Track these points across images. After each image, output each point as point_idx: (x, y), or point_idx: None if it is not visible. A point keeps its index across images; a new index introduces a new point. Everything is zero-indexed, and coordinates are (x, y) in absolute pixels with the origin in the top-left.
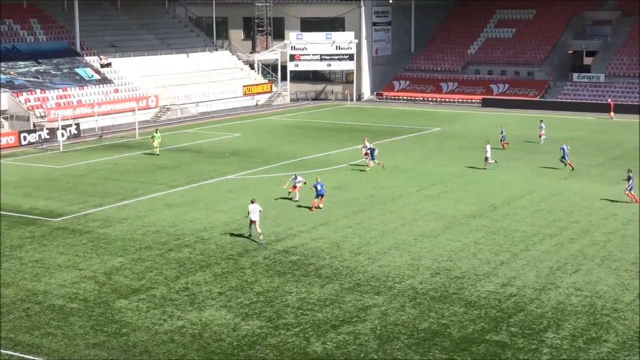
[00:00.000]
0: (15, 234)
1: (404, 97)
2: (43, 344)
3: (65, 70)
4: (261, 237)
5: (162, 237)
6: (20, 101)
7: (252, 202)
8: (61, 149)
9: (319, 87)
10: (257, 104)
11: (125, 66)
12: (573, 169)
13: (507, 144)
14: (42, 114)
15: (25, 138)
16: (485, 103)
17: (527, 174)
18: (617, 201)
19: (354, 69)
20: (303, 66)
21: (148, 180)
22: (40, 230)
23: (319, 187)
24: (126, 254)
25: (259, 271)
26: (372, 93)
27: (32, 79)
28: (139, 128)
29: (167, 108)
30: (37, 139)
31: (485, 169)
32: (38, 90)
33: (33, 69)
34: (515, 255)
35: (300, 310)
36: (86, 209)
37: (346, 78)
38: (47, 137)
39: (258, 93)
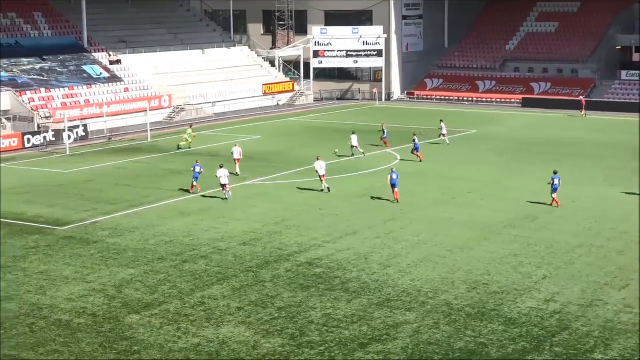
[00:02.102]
0: (19, 243)
1: (437, 97)
2: None
3: (71, 68)
4: (229, 196)
5: (176, 247)
6: (23, 101)
7: (221, 167)
8: (67, 152)
9: (344, 85)
10: (278, 104)
11: (136, 63)
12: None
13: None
14: (47, 115)
15: (29, 140)
16: (526, 103)
17: (569, 181)
18: None
19: (382, 66)
20: (328, 63)
21: (160, 186)
22: (45, 240)
23: (394, 177)
24: (137, 266)
25: (280, 285)
26: (402, 92)
27: (36, 77)
28: (150, 130)
29: (181, 108)
30: (42, 141)
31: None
32: (43, 89)
33: (37, 66)
34: (558, 268)
35: (325, 327)
36: (94, 217)
37: (374, 76)
38: (53, 139)
39: (279, 92)
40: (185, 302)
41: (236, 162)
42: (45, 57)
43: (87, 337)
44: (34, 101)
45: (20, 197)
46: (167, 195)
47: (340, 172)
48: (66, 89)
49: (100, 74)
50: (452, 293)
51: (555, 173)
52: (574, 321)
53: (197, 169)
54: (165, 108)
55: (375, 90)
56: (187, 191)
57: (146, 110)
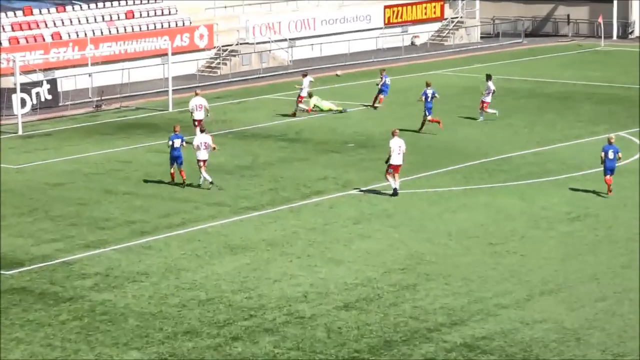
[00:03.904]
0: None
1: None
2: None
3: None
4: (206, 180)
5: (219, 311)
6: None
7: (202, 130)
8: (20, 131)
9: (539, 8)
10: (413, 44)
11: None
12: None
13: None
14: None
15: None
16: None
17: None
18: None
19: None
20: None
21: (193, 197)
22: None
23: (610, 155)
24: (146, 346)
25: None
26: None
27: None
28: (173, 90)
29: (232, 51)
30: None
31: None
32: None
33: None
34: None
35: None
36: (68, 253)
37: None
38: None
39: (414, 22)
40: None
41: (197, 125)
42: None
43: None
44: None
45: None
46: (204, 213)
47: (531, 174)
48: (18, 12)
49: None
50: None
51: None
52: None
53: (177, 143)
54: (202, 50)
55: (599, 20)
56: (226, 206)
57: (167, 54)
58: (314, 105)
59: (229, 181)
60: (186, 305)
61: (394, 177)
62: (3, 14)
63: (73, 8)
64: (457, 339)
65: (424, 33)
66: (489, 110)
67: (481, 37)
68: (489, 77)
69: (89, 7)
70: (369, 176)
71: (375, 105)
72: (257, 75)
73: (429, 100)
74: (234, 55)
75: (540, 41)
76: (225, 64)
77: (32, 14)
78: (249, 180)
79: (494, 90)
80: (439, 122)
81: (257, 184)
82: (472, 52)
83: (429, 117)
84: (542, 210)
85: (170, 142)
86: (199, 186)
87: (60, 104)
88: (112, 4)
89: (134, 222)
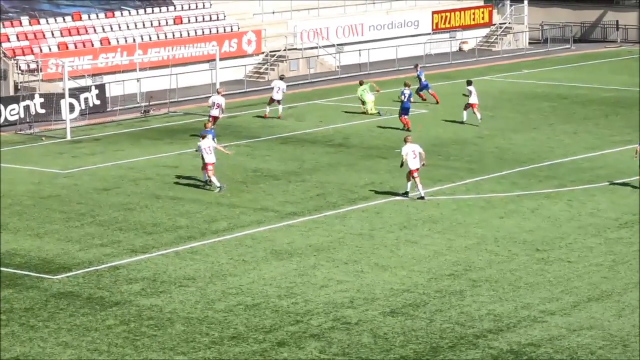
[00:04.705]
0: None
1: None
2: None
3: None
4: (214, 185)
5: (265, 316)
6: None
7: (204, 137)
8: (68, 136)
9: (588, 14)
10: (461, 49)
11: None
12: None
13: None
14: (33, 66)
15: None
16: None
17: None
18: None
19: None
20: None
21: (240, 202)
22: (24, 298)
23: None
24: (193, 351)
25: None
26: None
27: None
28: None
29: (280, 56)
30: (22, 115)
31: None
32: (25, 19)
33: None
34: None
35: None
36: (115, 258)
37: None
38: (41, 111)
39: (463, 27)
40: None
41: (210, 122)
42: None
43: None
44: (7, 41)
45: None
46: (250, 218)
47: (580, 180)
48: (68, 17)
49: None
50: None
51: None
52: None
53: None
54: (249, 55)
55: None
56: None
57: (214, 59)
58: (360, 94)
59: (276, 187)
60: (232, 311)
61: (416, 181)
62: (52, 19)
63: (122, 14)
64: (504, 346)
65: (472, 39)
66: (476, 113)
67: (529, 43)
68: (469, 83)
69: (137, 12)
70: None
71: (424, 98)
72: (305, 81)
73: (406, 100)
74: (282, 61)
75: (589, 47)
76: (273, 70)
77: (80, 19)
78: (296, 185)
79: (471, 92)
80: (408, 125)
81: (304, 190)
82: (520, 58)
83: (404, 117)
84: (589, 216)
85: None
86: (205, 183)
87: (108, 109)
88: (160, 10)
89: (181, 227)
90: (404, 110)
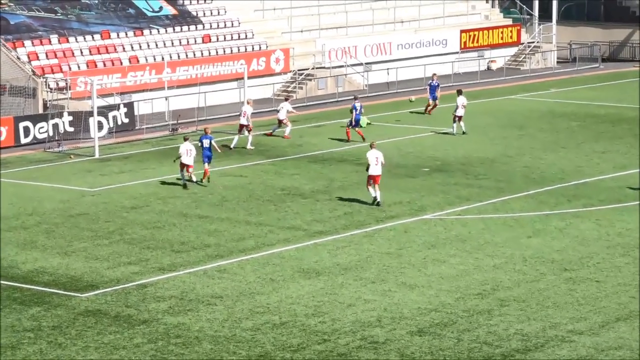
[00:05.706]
0: (5, 321)
1: None
2: None
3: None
4: (194, 178)
5: (292, 335)
6: (18, 57)
7: (186, 139)
8: (96, 154)
9: (616, 33)
10: (489, 69)
11: None
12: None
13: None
14: (62, 85)
15: (27, 131)
16: None
17: None
18: None
19: None
20: None
21: (268, 220)
22: (52, 316)
23: None
24: None
25: None
26: None
27: (44, 14)
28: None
29: (308, 75)
30: (51, 133)
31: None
32: (54, 38)
33: None
34: None
35: None
36: (143, 276)
37: None
38: (70, 129)
39: (491, 46)
40: None
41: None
42: None
43: None
44: (37, 59)
45: (12, 236)
46: (278, 237)
47: (608, 200)
48: (96, 36)
49: (161, 9)
50: None
51: None
52: None
53: (206, 143)
54: (278, 73)
55: None
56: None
57: (243, 78)
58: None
59: (304, 205)
60: (260, 329)
61: (374, 187)
62: (81, 38)
63: (150, 32)
64: None
65: (500, 57)
66: (462, 125)
67: (558, 62)
68: (459, 92)
69: (166, 31)
70: (444, 201)
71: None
72: (333, 100)
73: (357, 112)
74: (310, 80)
75: (618, 66)
76: (301, 88)
77: (109, 37)
78: (324, 204)
79: (463, 105)
80: (348, 136)
81: (332, 208)
82: (548, 77)
83: (357, 129)
84: (618, 236)
85: (200, 143)
86: (184, 185)
87: (136, 127)
88: (189, 28)
89: (209, 245)
90: (356, 122)
